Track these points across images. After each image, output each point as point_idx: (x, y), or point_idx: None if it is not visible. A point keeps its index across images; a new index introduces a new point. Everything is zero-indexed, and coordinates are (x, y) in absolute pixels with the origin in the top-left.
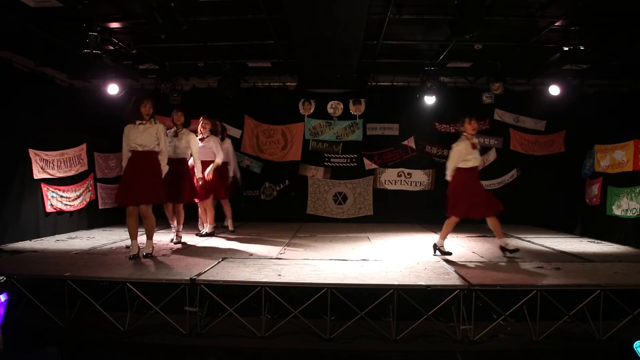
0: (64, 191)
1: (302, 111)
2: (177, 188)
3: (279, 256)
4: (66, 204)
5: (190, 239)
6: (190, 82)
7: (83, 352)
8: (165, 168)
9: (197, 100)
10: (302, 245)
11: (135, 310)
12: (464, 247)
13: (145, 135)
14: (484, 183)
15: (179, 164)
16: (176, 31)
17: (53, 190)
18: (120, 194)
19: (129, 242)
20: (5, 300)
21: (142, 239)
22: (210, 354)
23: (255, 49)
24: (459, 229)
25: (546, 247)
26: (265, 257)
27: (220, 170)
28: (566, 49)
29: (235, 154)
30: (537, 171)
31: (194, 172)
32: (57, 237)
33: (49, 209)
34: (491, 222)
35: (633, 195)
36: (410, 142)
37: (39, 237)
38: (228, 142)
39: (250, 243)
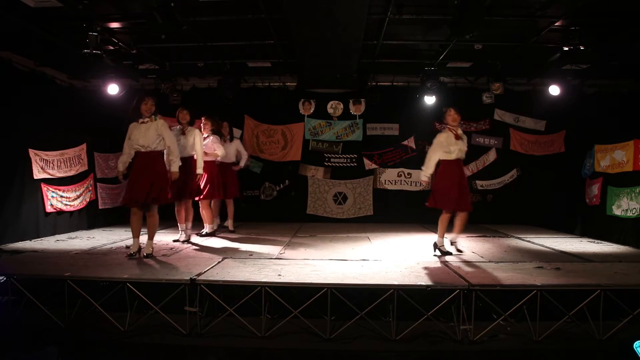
0: (64, 191)
1: (302, 111)
2: (184, 186)
3: (279, 256)
4: (66, 204)
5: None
6: (190, 82)
7: (83, 352)
8: (176, 167)
9: (197, 100)
10: (302, 245)
11: (135, 310)
12: (464, 247)
13: (147, 135)
14: (484, 183)
15: (187, 162)
16: (176, 31)
17: (53, 190)
18: (126, 195)
19: (129, 242)
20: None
21: (141, 238)
22: (210, 354)
23: (255, 49)
24: None
25: (546, 247)
26: (265, 257)
27: (224, 169)
28: (566, 49)
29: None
30: (537, 171)
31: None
32: (57, 237)
33: (49, 209)
34: (464, 217)
35: (633, 195)
36: (410, 142)
37: (39, 237)
38: (236, 143)
39: (250, 243)
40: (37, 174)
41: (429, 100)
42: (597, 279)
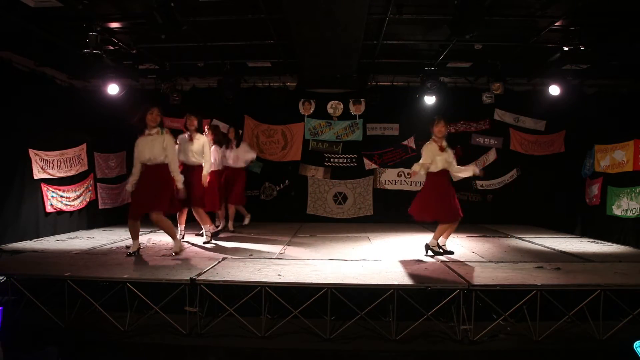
0: (64, 191)
1: (302, 111)
2: (188, 194)
3: (279, 256)
4: (66, 204)
5: (190, 239)
6: (190, 82)
7: (83, 352)
8: (181, 183)
9: (197, 100)
10: (302, 245)
11: (135, 310)
12: (464, 247)
13: (153, 148)
14: (484, 183)
15: (194, 170)
16: (176, 31)
17: (53, 190)
18: (131, 208)
19: (129, 242)
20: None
21: (141, 239)
22: (210, 354)
23: (255, 49)
24: (459, 229)
25: (546, 247)
26: (265, 257)
27: (234, 174)
28: (566, 49)
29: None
30: (537, 171)
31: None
32: (57, 237)
33: (49, 209)
34: (453, 227)
35: (633, 195)
36: (410, 142)
37: (39, 237)
38: (243, 148)
39: (250, 243)
40: (37, 174)
41: (429, 100)
42: (597, 279)
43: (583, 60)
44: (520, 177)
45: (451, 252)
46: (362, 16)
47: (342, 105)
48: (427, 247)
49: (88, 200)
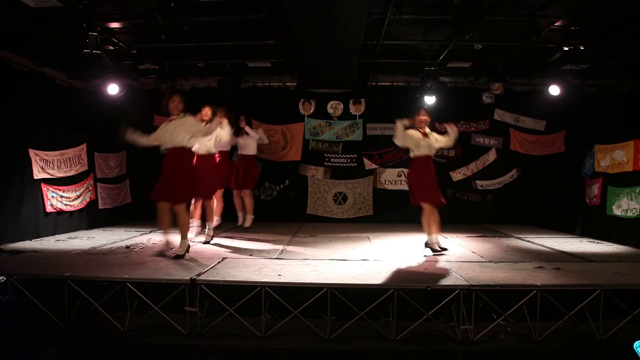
0: (64, 191)
1: (302, 111)
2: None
3: (279, 256)
4: (66, 204)
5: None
6: (190, 82)
7: (83, 352)
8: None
9: (197, 100)
10: (302, 245)
11: (135, 310)
12: (464, 247)
13: (173, 133)
14: (484, 183)
15: (209, 159)
16: (176, 31)
17: (53, 190)
18: (156, 190)
19: (129, 242)
20: None
21: (141, 239)
22: (210, 354)
23: (255, 49)
24: (459, 229)
25: (546, 247)
26: (265, 257)
27: (246, 161)
28: (566, 49)
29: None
30: (537, 171)
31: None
32: (57, 237)
33: (49, 209)
34: (435, 214)
35: (633, 195)
36: None
37: (39, 237)
38: (253, 134)
39: (250, 243)
40: (37, 174)
41: (429, 100)
42: (597, 279)
43: (583, 60)
44: (520, 177)
45: (445, 249)
46: (362, 16)
47: (342, 105)
48: (426, 244)
49: (88, 200)
